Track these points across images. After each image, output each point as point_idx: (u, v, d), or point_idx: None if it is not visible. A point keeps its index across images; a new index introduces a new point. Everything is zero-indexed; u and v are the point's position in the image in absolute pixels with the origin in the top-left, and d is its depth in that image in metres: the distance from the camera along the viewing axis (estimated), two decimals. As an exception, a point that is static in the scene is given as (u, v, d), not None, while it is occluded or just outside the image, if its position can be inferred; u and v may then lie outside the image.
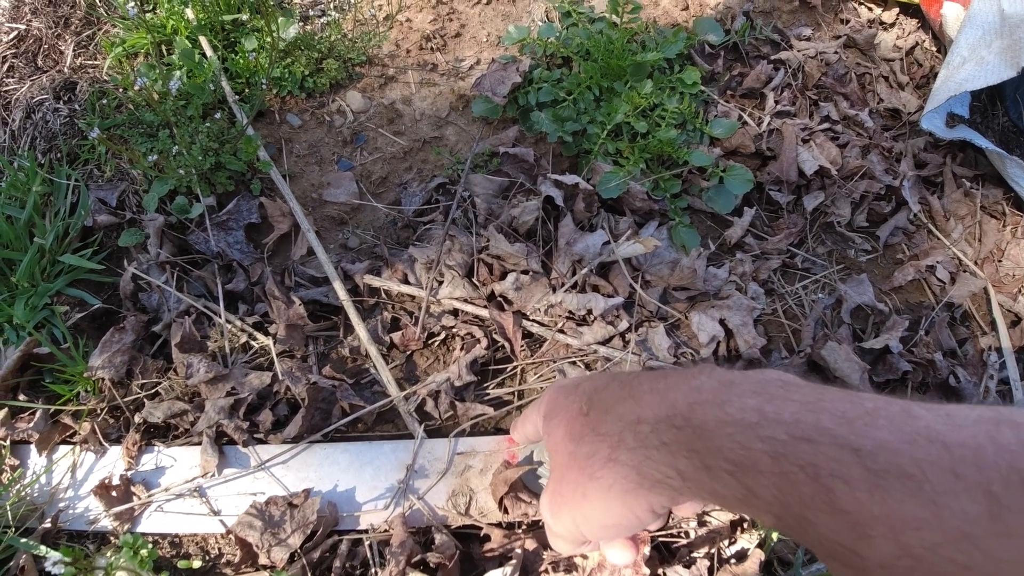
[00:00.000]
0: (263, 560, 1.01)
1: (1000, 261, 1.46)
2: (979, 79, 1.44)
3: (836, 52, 1.64)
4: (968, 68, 1.47)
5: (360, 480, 1.08)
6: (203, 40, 1.51)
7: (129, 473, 1.10)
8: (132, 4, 1.39)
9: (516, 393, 1.18)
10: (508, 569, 0.96)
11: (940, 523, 0.36)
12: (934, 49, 1.73)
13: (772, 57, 1.61)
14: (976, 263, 1.44)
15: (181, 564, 1.03)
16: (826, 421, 0.41)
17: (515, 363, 1.20)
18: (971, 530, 0.35)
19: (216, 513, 1.07)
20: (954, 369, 1.26)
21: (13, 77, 1.58)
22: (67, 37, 1.65)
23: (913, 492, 0.37)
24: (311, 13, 1.65)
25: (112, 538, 1.07)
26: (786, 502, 0.40)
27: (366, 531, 1.04)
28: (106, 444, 1.13)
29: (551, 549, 1.02)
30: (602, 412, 0.54)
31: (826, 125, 1.53)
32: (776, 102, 1.54)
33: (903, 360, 1.24)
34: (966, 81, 1.45)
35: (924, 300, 1.39)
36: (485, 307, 1.22)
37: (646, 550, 0.98)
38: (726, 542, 1.04)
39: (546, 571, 0.99)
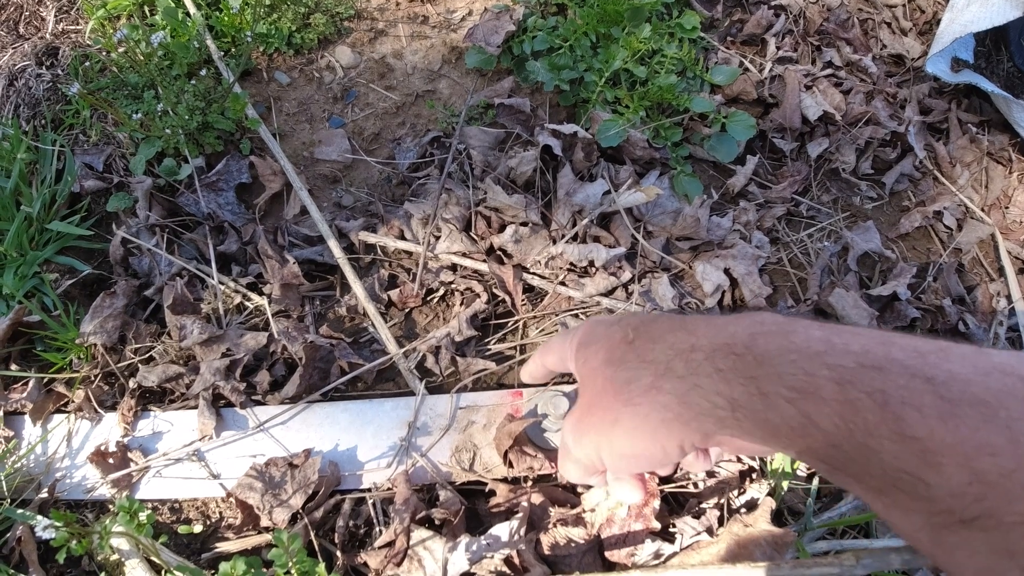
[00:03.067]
0: (265, 522, 0.99)
1: (1007, 207, 1.43)
2: (984, 20, 1.40)
3: (837, -3, 1.60)
4: (973, 9, 1.43)
5: (361, 439, 1.06)
6: (186, -2, 1.47)
7: (126, 439, 1.08)
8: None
9: (518, 347, 1.16)
10: (515, 523, 0.94)
11: (1016, 449, 0.35)
12: (937, -7, 1.69)
13: (772, 3, 1.57)
14: (983, 209, 1.42)
15: (182, 529, 1.01)
16: (896, 353, 0.40)
17: (516, 317, 1.18)
18: None
19: (215, 476, 1.05)
20: (963, 315, 1.23)
21: (-6, 45, 1.54)
22: (48, 3, 1.61)
23: (988, 419, 0.35)
24: (297, -31, 1.61)
25: (111, 506, 1.05)
26: (848, 431, 0.39)
27: (369, 490, 1.02)
28: (101, 411, 1.11)
29: (554, 502, 1.00)
30: (649, 340, 0.52)
31: (829, 71, 1.49)
32: (777, 48, 1.50)
33: (911, 307, 1.21)
34: (971, 23, 1.42)
35: (931, 247, 1.36)
36: (484, 261, 1.19)
37: (656, 503, 0.97)
38: (735, 492, 1.02)
39: (554, 525, 0.97)
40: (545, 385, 1.10)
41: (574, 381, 1.12)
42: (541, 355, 0.70)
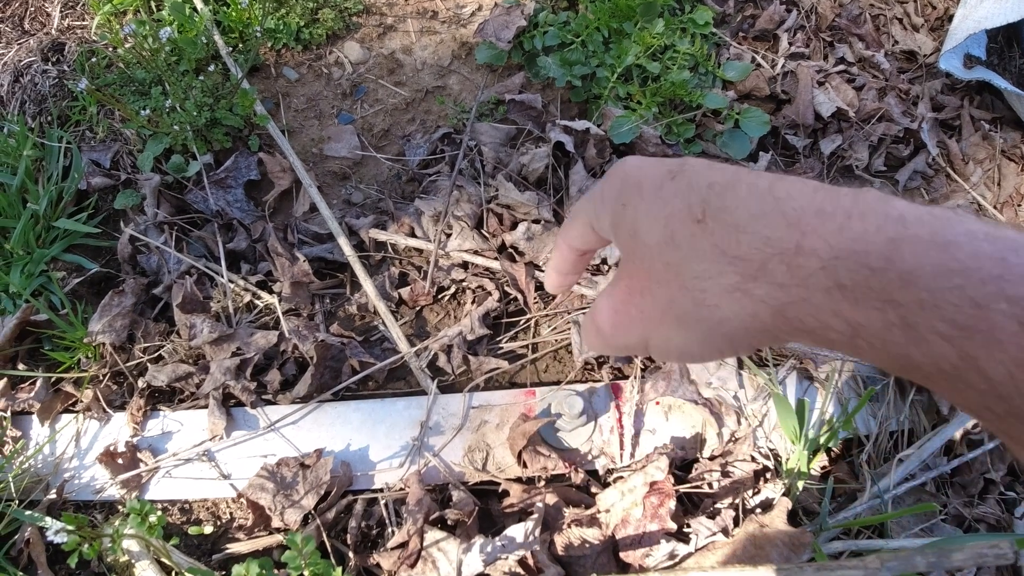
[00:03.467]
0: (276, 523, 0.98)
1: (1020, 205, 1.42)
2: (998, 16, 1.39)
3: (849, -8, 1.59)
4: (987, 6, 1.42)
5: (374, 438, 1.05)
6: (193, -7, 1.45)
7: (135, 439, 1.07)
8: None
9: (530, 346, 1.15)
10: (530, 524, 0.93)
11: None
12: (949, -11, 1.67)
13: (784, -2, 1.56)
14: (996, 207, 1.41)
15: (192, 530, 1.01)
16: None
17: (528, 315, 1.16)
18: None
19: (226, 477, 1.04)
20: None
21: (0, 41, 1.53)
22: (53, -2, 1.60)
23: None
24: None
25: (120, 507, 1.04)
26: None
27: (381, 490, 1.01)
28: (110, 411, 1.10)
29: (568, 503, 0.99)
30: (731, 228, 0.38)
31: (841, 67, 1.48)
32: (790, 44, 1.49)
33: (927, 304, 1.20)
34: (985, 19, 1.41)
35: (945, 244, 1.35)
36: (496, 259, 1.18)
37: (671, 503, 0.96)
38: (750, 492, 1.02)
39: (568, 526, 0.96)
40: (558, 384, 1.09)
41: (582, 380, 1.11)
42: (565, 234, 0.53)
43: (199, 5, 1.44)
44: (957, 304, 0.31)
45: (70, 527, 0.83)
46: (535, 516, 0.94)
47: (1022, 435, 0.32)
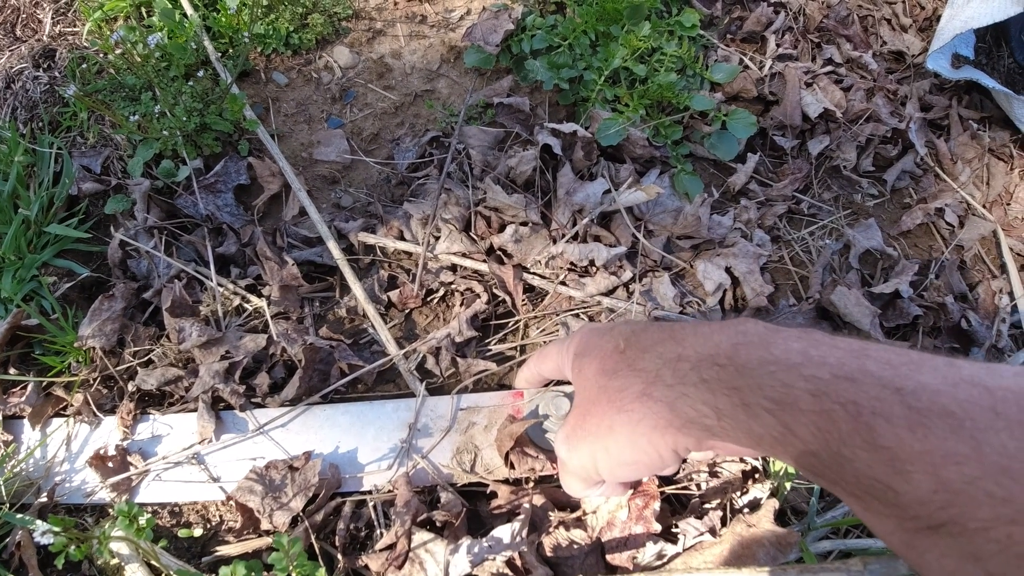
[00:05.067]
0: (265, 525, 0.99)
1: (1009, 204, 1.43)
2: (985, 16, 1.40)
3: (837, -7, 1.60)
4: (973, 6, 1.43)
5: (362, 441, 1.06)
6: (183, -1, 1.46)
7: (125, 443, 1.07)
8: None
9: (518, 348, 1.15)
10: (516, 525, 0.93)
11: (980, 458, 0.36)
12: (937, -11, 1.68)
13: (772, 0, 1.56)
14: (985, 206, 1.41)
15: (182, 533, 1.01)
16: (870, 365, 0.42)
17: (517, 317, 1.17)
18: (1010, 464, 0.35)
19: (215, 480, 1.05)
20: (966, 313, 1.23)
21: (-9, 47, 1.54)
22: (45, 5, 1.60)
23: (954, 429, 0.37)
24: (294, -31, 1.60)
25: (110, 510, 1.04)
26: (824, 440, 0.41)
27: (370, 492, 1.02)
28: (100, 415, 1.10)
29: (555, 504, 1.00)
30: (640, 350, 0.54)
31: (829, 68, 1.49)
32: (777, 45, 1.49)
33: (913, 304, 1.21)
34: (971, 19, 1.41)
35: (933, 244, 1.36)
36: (484, 261, 1.18)
37: (656, 505, 0.96)
38: (738, 492, 1.02)
39: (555, 527, 0.96)
40: (546, 386, 1.10)
41: (570, 382, 1.11)
42: (537, 362, 0.74)
43: (188, 11, 1.45)
44: (773, 385, 0.43)
45: (56, 528, 0.83)
46: (522, 517, 0.94)
47: (836, 485, 0.43)
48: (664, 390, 0.49)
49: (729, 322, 0.51)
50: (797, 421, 0.42)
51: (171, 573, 0.93)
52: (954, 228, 1.37)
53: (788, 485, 1.00)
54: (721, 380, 0.46)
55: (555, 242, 1.19)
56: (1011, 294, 1.30)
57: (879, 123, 1.41)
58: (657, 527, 0.95)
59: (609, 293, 1.17)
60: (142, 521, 0.89)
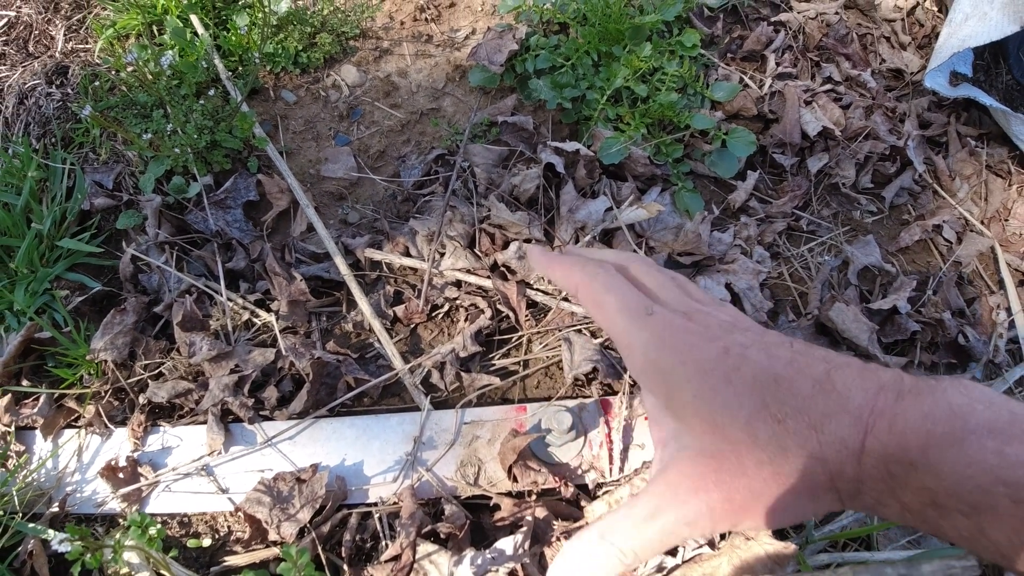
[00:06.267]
0: (273, 536, 1.00)
1: (1007, 220, 1.44)
2: (982, 35, 1.42)
3: (837, 13, 1.62)
4: (971, 24, 1.45)
5: (368, 453, 1.08)
6: (194, 18, 1.49)
7: (135, 454, 1.10)
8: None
9: (522, 363, 1.17)
10: (519, 537, 0.95)
11: None
12: (935, 9, 1.70)
13: (772, 19, 1.59)
14: (983, 222, 1.43)
15: (191, 543, 1.03)
16: None
17: (520, 333, 1.19)
18: None
19: (224, 491, 1.07)
20: (963, 328, 1.24)
21: (5, 64, 1.57)
22: (57, 21, 1.63)
23: None
24: (303, -11, 1.63)
25: (121, 520, 1.06)
26: (1021, 543, 0.40)
27: (375, 504, 1.04)
28: (111, 426, 1.12)
29: (558, 516, 1.01)
30: (810, 427, 0.45)
31: (828, 86, 1.51)
32: (777, 64, 1.52)
33: (911, 320, 1.22)
34: (969, 38, 1.43)
35: (931, 260, 1.37)
36: (488, 277, 1.21)
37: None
38: (738, 506, 1.03)
39: (557, 539, 0.98)
40: (548, 400, 1.12)
41: (573, 396, 1.13)
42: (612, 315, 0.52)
43: (200, 30, 1.48)
44: (970, 490, 0.41)
45: (74, 537, 0.86)
46: (524, 529, 0.96)
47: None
48: (847, 483, 0.44)
49: (900, 386, 0.44)
50: (993, 526, 0.40)
51: (181, 583, 0.95)
52: (952, 244, 1.38)
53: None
54: (911, 478, 0.43)
55: (558, 258, 1.21)
56: (1009, 309, 1.32)
57: (878, 140, 1.43)
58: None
59: (611, 309, 1.19)
60: (153, 531, 0.91)
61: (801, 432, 0.45)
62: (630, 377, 1.11)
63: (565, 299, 1.20)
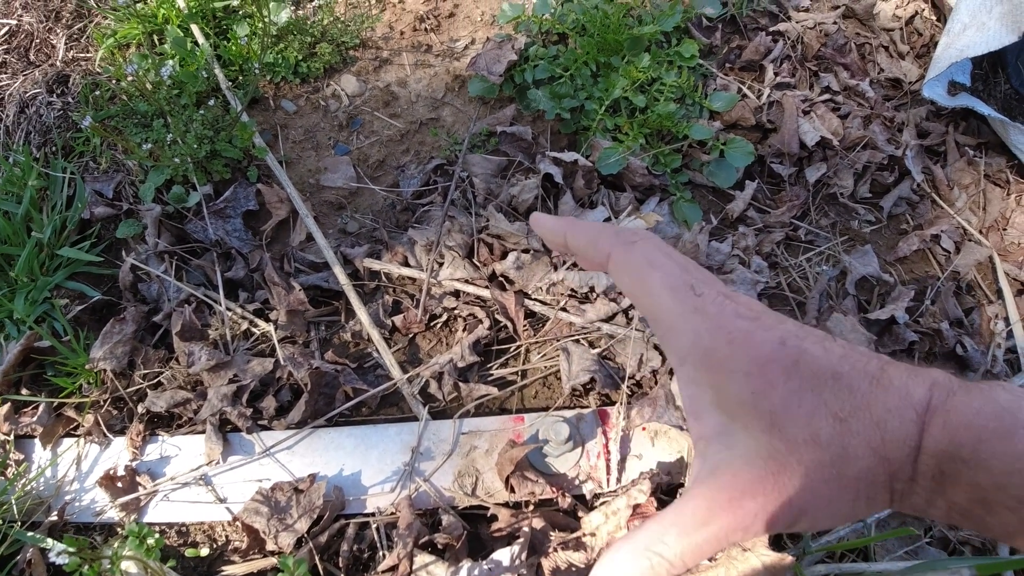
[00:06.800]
0: (270, 546, 1.01)
1: (1005, 229, 1.44)
2: (980, 45, 1.42)
3: (835, 23, 1.62)
4: (969, 34, 1.45)
5: (366, 464, 1.08)
6: (195, 28, 1.50)
7: (134, 463, 1.10)
8: (122, -7, 1.38)
9: (520, 373, 1.18)
10: (516, 548, 0.95)
11: None
12: (934, 18, 1.71)
13: (771, 29, 1.59)
14: (981, 232, 1.43)
15: (188, 552, 1.03)
16: None
17: (518, 343, 1.19)
18: None
19: (222, 500, 1.07)
20: (961, 338, 1.24)
21: (6, 72, 1.57)
22: (58, 31, 1.64)
23: None
24: (303, -2, 1.64)
25: (119, 529, 1.07)
26: None
27: (373, 514, 1.04)
28: (110, 435, 1.13)
29: (555, 527, 1.01)
30: (872, 426, 0.43)
31: (827, 96, 1.51)
32: (775, 74, 1.52)
33: (909, 330, 1.23)
34: (967, 48, 1.44)
35: (929, 270, 1.37)
36: (486, 287, 1.21)
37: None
38: (735, 516, 1.03)
39: (554, 549, 0.98)
40: (546, 410, 1.12)
41: (570, 406, 1.14)
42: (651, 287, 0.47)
43: (200, 40, 1.48)
44: (1019, 484, 0.40)
45: (71, 549, 0.86)
46: (521, 540, 0.96)
47: None
48: (903, 484, 0.44)
49: (944, 383, 0.43)
50: None
51: (178, 593, 0.96)
52: (950, 254, 1.39)
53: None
54: (962, 475, 0.42)
55: (556, 269, 1.21)
56: (1007, 319, 1.32)
57: (876, 150, 1.43)
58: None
59: (609, 319, 1.19)
60: (151, 541, 0.92)
61: (864, 431, 0.43)
62: (628, 387, 1.11)
63: (563, 309, 1.20)
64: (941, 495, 0.42)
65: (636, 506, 0.98)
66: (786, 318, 0.45)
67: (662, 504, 1.04)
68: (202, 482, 1.08)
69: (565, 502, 1.03)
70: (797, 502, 0.43)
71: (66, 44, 1.61)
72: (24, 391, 1.16)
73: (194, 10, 1.50)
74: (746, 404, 0.43)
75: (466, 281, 1.22)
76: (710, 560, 0.97)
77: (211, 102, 1.36)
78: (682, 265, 0.47)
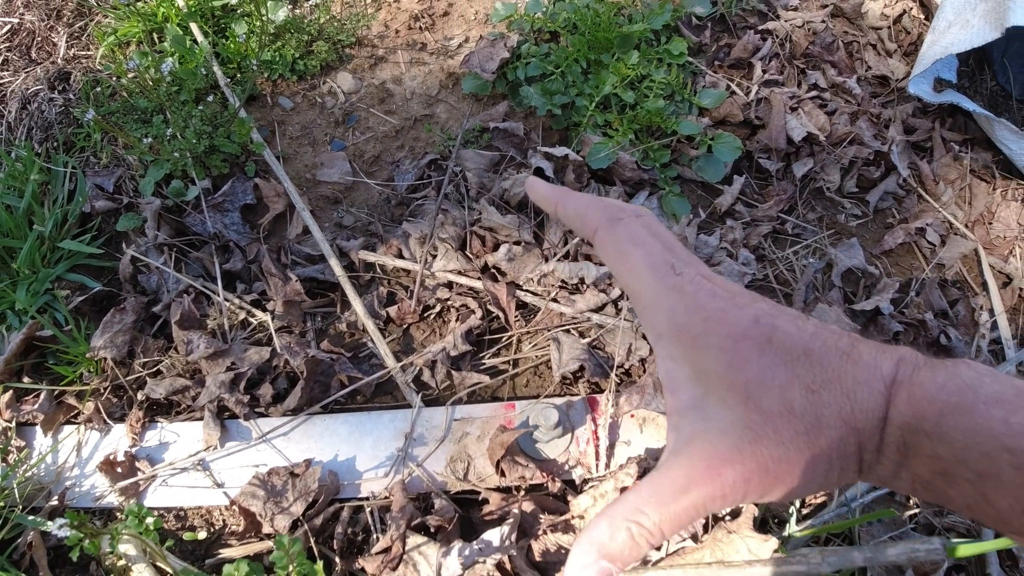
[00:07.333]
0: (267, 529, 1.03)
1: (991, 224, 1.47)
2: (965, 42, 1.45)
3: (823, 21, 1.65)
4: (954, 32, 1.48)
5: (360, 449, 1.10)
6: (194, 26, 1.52)
7: (133, 449, 1.12)
8: (122, -9, 1.41)
9: (511, 362, 1.20)
10: (506, 530, 0.98)
11: None
12: (922, 17, 1.73)
13: (759, 27, 1.62)
14: (967, 225, 1.45)
15: (186, 536, 1.05)
16: None
17: (510, 333, 1.22)
18: None
19: (220, 485, 1.09)
20: (945, 329, 1.27)
21: (8, 70, 1.60)
22: (60, 29, 1.66)
23: None
24: (300, -3, 1.67)
25: (118, 514, 1.09)
26: (1022, 509, 0.41)
27: (367, 498, 1.06)
28: (110, 422, 1.15)
29: (545, 510, 1.04)
30: (843, 397, 0.45)
31: (814, 93, 1.54)
32: (764, 71, 1.55)
33: (894, 321, 1.25)
34: (952, 45, 1.46)
35: (915, 263, 1.40)
36: (479, 279, 1.23)
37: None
38: (721, 500, 1.05)
39: (544, 532, 1.01)
40: (536, 397, 1.15)
41: (560, 394, 1.16)
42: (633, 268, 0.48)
43: (199, 38, 1.51)
44: (977, 458, 0.42)
45: (73, 521, 0.88)
46: (511, 521, 0.99)
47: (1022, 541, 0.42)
48: (870, 455, 0.45)
49: (910, 359, 0.45)
50: (997, 492, 0.42)
51: (176, 573, 0.98)
52: (936, 247, 1.41)
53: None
54: (924, 447, 0.44)
55: (547, 261, 1.24)
56: (991, 311, 1.34)
57: (862, 146, 1.46)
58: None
59: (598, 310, 1.22)
60: (149, 522, 0.94)
61: (836, 402, 0.45)
62: (617, 375, 1.14)
63: (554, 300, 1.22)
64: (906, 467, 0.44)
65: (623, 489, 1.01)
66: (761, 297, 0.47)
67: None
68: (200, 467, 1.10)
69: (555, 486, 1.05)
70: (774, 470, 0.45)
71: (67, 42, 1.64)
72: (26, 379, 1.18)
73: (193, 8, 1.53)
74: (722, 377, 0.45)
75: (459, 272, 1.25)
76: (695, 541, 1.00)
77: (210, 98, 1.39)
78: (667, 244, 0.49)
